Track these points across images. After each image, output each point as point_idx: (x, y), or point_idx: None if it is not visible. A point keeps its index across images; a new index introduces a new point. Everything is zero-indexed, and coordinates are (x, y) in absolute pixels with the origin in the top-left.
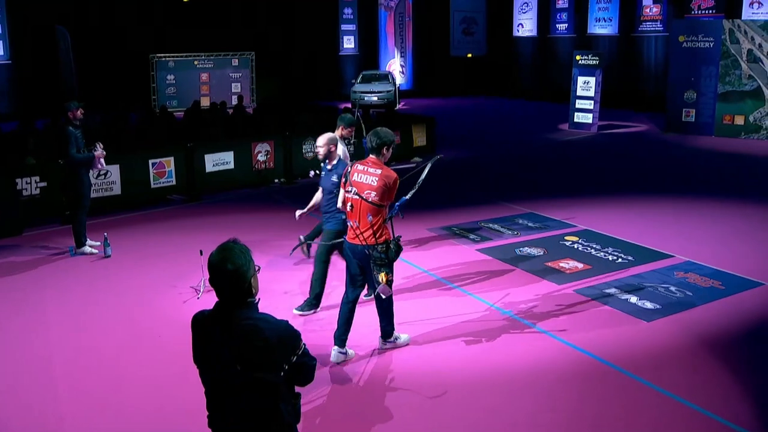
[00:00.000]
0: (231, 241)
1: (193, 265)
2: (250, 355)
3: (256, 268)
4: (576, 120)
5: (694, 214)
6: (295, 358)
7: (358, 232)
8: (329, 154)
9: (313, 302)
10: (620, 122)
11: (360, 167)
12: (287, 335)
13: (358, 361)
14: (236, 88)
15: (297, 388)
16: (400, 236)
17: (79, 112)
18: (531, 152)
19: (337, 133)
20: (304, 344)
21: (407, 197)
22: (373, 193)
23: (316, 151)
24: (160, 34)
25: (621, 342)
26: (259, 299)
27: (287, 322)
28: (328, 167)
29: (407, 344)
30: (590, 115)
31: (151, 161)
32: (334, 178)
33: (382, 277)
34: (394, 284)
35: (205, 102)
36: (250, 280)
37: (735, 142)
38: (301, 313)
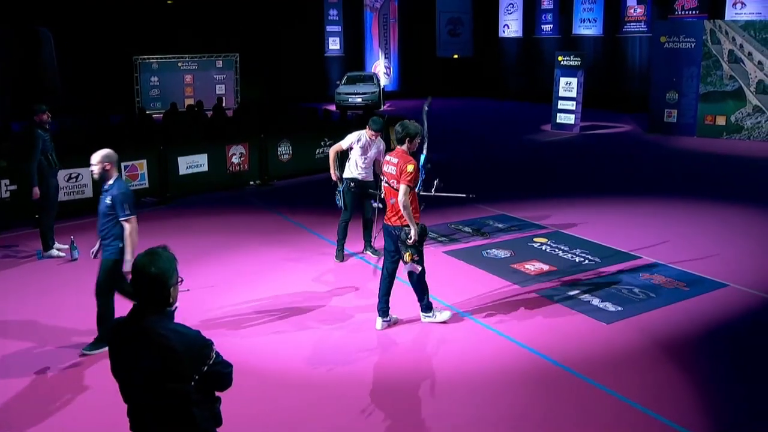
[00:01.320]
0: (160, 247)
1: None
2: (159, 366)
3: (179, 279)
4: (558, 121)
5: (667, 215)
6: (206, 368)
7: (390, 214)
8: (104, 174)
9: (99, 342)
10: (604, 123)
11: (387, 158)
12: (197, 346)
13: (299, 363)
14: (220, 89)
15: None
16: (425, 225)
17: (45, 116)
18: (509, 153)
19: (366, 133)
20: (217, 353)
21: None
22: (394, 181)
23: (90, 169)
24: (143, 35)
25: (578, 344)
26: (176, 307)
27: (198, 332)
28: (105, 187)
29: (447, 320)
30: (572, 116)
31: (123, 164)
32: (108, 200)
33: (407, 256)
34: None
35: (189, 104)
36: (170, 289)
37: (717, 143)
38: (89, 352)
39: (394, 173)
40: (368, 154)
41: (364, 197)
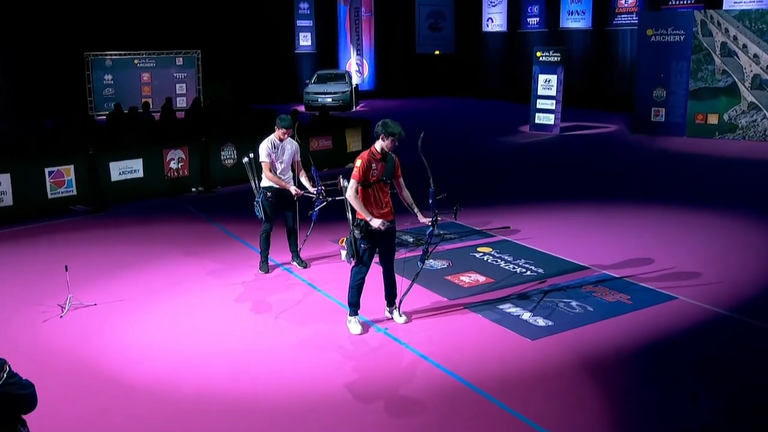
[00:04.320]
0: None
1: (71, 281)
2: None
3: None
4: (537, 121)
5: (630, 223)
6: None
7: None
8: None
9: None
10: (588, 123)
11: None
12: None
13: (197, 378)
14: (181, 89)
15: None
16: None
17: None
18: (478, 158)
19: (276, 134)
20: (12, 373)
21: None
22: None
23: None
24: (96, 29)
25: (494, 361)
26: None
27: None
28: None
29: (354, 334)
30: (552, 116)
31: (47, 170)
32: None
33: (340, 240)
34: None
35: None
36: None
37: (708, 143)
38: None
39: None
40: (284, 158)
41: (285, 207)
